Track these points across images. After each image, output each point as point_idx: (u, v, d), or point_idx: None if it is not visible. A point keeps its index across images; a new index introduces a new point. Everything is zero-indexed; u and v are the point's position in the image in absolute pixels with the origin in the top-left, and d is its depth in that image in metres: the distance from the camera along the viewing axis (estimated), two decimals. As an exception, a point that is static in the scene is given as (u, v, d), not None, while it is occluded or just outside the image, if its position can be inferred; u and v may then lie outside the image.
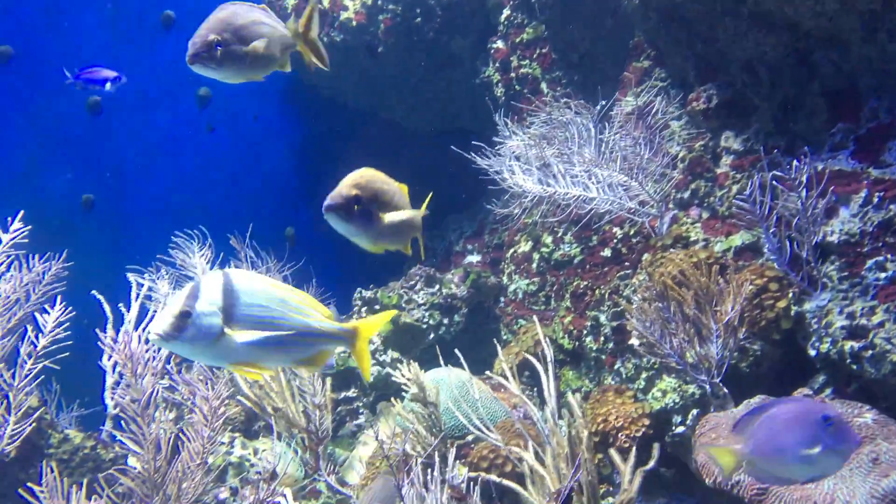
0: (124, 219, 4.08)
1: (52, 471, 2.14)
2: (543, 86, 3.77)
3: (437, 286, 3.87)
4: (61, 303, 2.62)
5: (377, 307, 3.81)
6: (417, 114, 4.49)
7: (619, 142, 2.73)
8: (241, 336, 1.45)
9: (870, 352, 2.01)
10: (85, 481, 2.24)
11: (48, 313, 2.56)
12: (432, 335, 3.76)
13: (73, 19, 3.94)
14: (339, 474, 2.90)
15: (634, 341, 2.55)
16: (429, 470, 2.29)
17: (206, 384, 2.49)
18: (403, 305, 3.82)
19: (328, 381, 2.87)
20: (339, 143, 4.48)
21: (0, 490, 2.43)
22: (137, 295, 2.88)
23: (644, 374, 2.57)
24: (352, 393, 3.57)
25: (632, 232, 3.00)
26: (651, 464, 2.21)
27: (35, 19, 3.85)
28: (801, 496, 1.80)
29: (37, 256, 2.77)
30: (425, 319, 3.78)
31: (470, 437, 2.79)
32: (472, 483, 2.33)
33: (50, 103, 3.87)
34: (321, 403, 3.01)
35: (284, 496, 2.56)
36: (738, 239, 2.52)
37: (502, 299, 3.77)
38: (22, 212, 2.66)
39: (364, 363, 1.64)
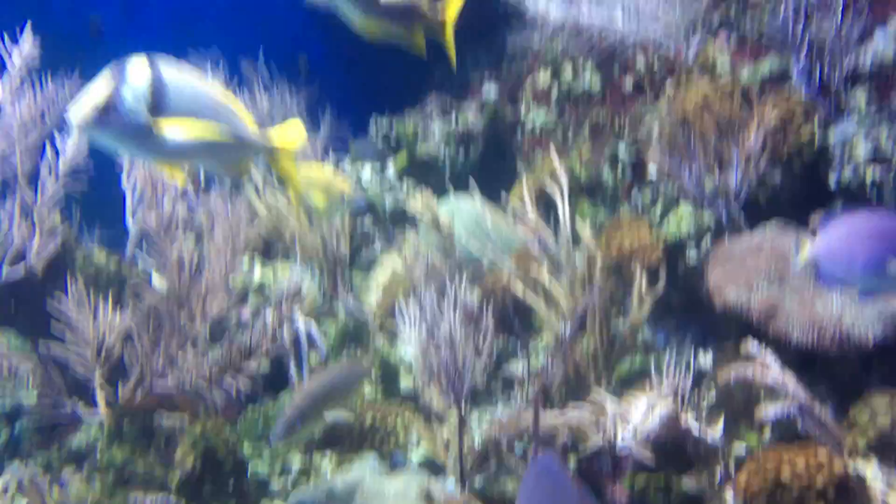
0: (133, 40, 3.98)
1: (78, 283, 2.21)
2: None
3: (454, 118, 3.82)
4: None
5: (393, 136, 3.78)
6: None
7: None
8: (167, 130, 1.37)
9: (892, 178, 2.00)
10: (110, 298, 2.32)
11: (68, 134, 2.54)
12: (448, 168, 3.75)
13: None
14: (357, 299, 2.98)
15: (652, 170, 2.53)
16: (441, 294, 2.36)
17: (226, 206, 2.52)
18: (420, 136, 3.79)
19: (346, 209, 2.90)
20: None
21: (28, 306, 2.51)
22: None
23: (660, 204, 2.57)
24: (368, 224, 3.60)
25: (656, 62, 2.90)
26: (660, 287, 2.26)
27: None
28: (809, 315, 1.84)
29: (49, 78, 2.73)
30: (441, 152, 3.75)
31: (484, 264, 2.85)
32: (485, 305, 2.40)
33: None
34: (339, 230, 3.06)
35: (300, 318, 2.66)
36: (766, 66, 2.44)
37: (519, 133, 3.72)
38: (30, 22, 2.58)
39: (290, 178, 1.56)
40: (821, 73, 2.18)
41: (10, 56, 2.51)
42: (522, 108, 3.69)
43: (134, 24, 4.02)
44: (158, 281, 2.76)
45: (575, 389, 2.24)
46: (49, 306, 2.20)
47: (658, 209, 2.58)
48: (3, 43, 2.54)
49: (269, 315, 2.36)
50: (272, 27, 4.28)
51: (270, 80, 3.78)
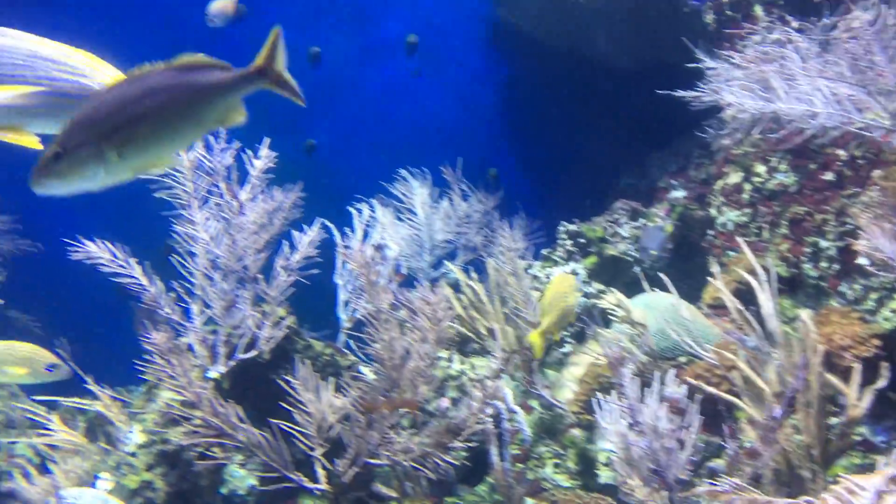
0: (345, 159, 4.40)
1: (306, 366, 2.41)
2: (758, 9, 3.62)
3: (642, 220, 3.88)
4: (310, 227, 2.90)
5: (582, 240, 3.88)
6: (620, 49, 4.45)
7: (846, 52, 2.60)
8: None
9: None
10: (332, 381, 2.50)
11: (304, 233, 2.85)
12: (637, 268, 3.78)
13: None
14: (552, 392, 3.02)
15: (863, 260, 2.45)
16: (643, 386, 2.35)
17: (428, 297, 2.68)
18: (608, 239, 3.86)
19: (537, 303, 3.00)
20: (539, 84, 4.56)
21: (256, 387, 2.75)
22: (360, 219, 3.13)
23: (873, 295, 2.47)
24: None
25: (858, 153, 2.85)
26: (881, 382, 2.15)
27: None
28: None
29: (276, 188, 3.07)
30: (630, 252, 3.80)
31: (682, 359, 2.82)
32: (690, 398, 2.37)
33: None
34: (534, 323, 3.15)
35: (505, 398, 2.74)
36: (985, 149, 2.35)
37: (710, 232, 3.70)
38: (268, 139, 2.94)
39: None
40: None
41: (252, 166, 2.87)
42: (713, 209, 3.69)
43: (348, 147, 4.46)
44: (365, 369, 2.95)
45: (788, 485, 2.14)
46: (279, 386, 2.41)
47: (871, 301, 2.48)
48: (248, 156, 2.92)
49: (474, 398, 2.45)
50: (465, 143, 4.60)
51: (467, 188, 4.04)
